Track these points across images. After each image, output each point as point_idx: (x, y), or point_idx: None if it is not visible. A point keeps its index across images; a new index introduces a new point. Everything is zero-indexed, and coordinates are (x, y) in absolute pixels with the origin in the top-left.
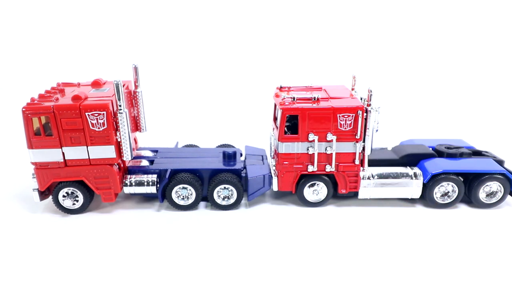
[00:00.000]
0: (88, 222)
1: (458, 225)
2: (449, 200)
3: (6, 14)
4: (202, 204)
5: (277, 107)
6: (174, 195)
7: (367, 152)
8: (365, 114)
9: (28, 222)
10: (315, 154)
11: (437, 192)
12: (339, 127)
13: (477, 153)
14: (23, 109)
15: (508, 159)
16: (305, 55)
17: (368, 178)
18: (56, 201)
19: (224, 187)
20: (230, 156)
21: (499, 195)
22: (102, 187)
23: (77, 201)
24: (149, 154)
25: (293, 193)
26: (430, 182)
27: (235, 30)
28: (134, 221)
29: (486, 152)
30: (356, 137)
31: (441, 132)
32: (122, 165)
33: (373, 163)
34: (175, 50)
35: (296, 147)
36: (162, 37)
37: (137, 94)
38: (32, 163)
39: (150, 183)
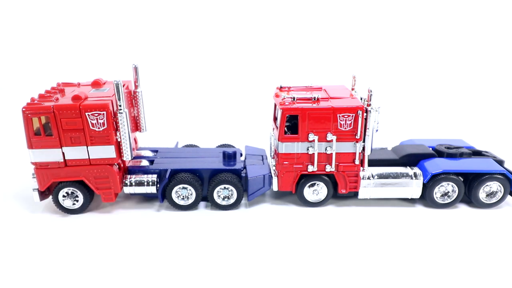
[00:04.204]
0: (88, 222)
1: (458, 225)
2: (449, 200)
3: (6, 14)
4: (202, 204)
5: (277, 107)
6: (174, 195)
7: (367, 152)
8: (365, 114)
9: (28, 222)
10: (315, 154)
11: (437, 192)
12: (339, 127)
13: (477, 153)
14: (23, 109)
15: (508, 159)
16: (305, 55)
17: (368, 178)
18: (56, 201)
19: (224, 187)
20: (230, 156)
21: (499, 195)
22: (102, 187)
23: (77, 201)
24: (149, 154)
25: (293, 193)
26: (430, 182)
27: (235, 30)
28: (134, 221)
29: (486, 152)
30: (356, 137)
31: (441, 132)
32: (122, 165)
33: (373, 163)
34: (175, 50)
35: (296, 147)
36: (162, 37)
37: (137, 94)
38: (32, 163)
39: (150, 183)
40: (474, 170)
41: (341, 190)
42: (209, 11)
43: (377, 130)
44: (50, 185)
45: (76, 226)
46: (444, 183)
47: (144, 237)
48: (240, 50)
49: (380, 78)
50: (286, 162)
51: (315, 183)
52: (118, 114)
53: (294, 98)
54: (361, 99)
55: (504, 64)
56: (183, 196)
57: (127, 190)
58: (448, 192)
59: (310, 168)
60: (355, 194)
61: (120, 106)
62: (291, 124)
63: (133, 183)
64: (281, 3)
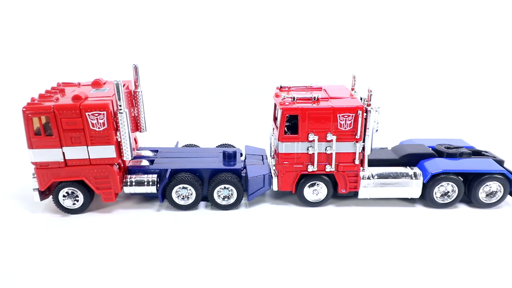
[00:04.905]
0: (88, 222)
1: (458, 225)
2: (449, 200)
3: (7, 14)
4: (202, 204)
5: (277, 107)
6: (174, 195)
7: (367, 152)
8: (365, 114)
9: (28, 222)
10: (315, 154)
11: (437, 192)
12: (339, 127)
13: (477, 153)
14: (24, 109)
15: (508, 159)
16: (305, 55)
17: (368, 178)
18: (56, 201)
19: (224, 187)
20: (230, 156)
21: (499, 195)
22: (102, 187)
23: (77, 201)
24: (149, 154)
25: (293, 193)
26: (430, 182)
27: (235, 31)
28: (134, 221)
29: (486, 152)
30: (356, 137)
31: (441, 132)
32: (122, 165)
33: (373, 163)
34: (175, 50)
35: (296, 147)
36: (162, 37)
37: (137, 94)
38: (33, 163)
39: (150, 183)
40: (474, 170)
41: (341, 190)
42: (210, 12)
43: (377, 130)
44: (50, 185)
45: (76, 226)
46: (444, 183)
47: (144, 237)
48: (240, 50)
49: (380, 78)
50: (286, 162)
51: (315, 183)
52: (118, 114)
53: (294, 98)
54: (361, 99)
55: (504, 64)
56: (183, 196)
57: (127, 190)
58: (448, 192)
59: (310, 168)
60: (355, 194)
61: (120, 106)
62: (291, 124)
63: (133, 183)
64: (281, 3)
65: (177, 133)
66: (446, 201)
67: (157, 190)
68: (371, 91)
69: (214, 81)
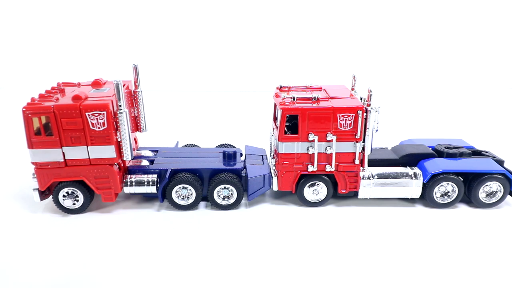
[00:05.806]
0: (88, 222)
1: (458, 225)
2: (449, 200)
3: (7, 14)
4: (202, 204)
5: (277, 107)
6: (174, 195)
7: (367, 152)
8: (365, 114)
9: (28, 222)
10: (315, 154)
11: (437, 192)
12: (339, 127)
13: (477, 153)
14: (24, 109)
15: (508, 159)
16: (305, 55)
17: (368, 178)
18: (56, 201)
19: (224, 187)
20: (230, 156)
21: (499, 195)
22: (102, 187)
23: (77, 201)
24: (149, 154)
25: (293, 193)
26: (430, 182)
27: (235, 31)
28: (134, 221)
29: (486, 152)
30: (356, 137)
31: (441, 132)
32: (122, 165)
33: (373, 163)
34: (175, 50)
35: (296, 147)
36: (162, 37)
37: (137, 94)
38: (33, 163)
39: (150, 183)
40: (474, 170)
41: (341, 190)
42: (210, 11)
43: (377, 130)
44: (50, 185)
45: (76, 226)
46: (444, 183)
47: (144, 237)
48: (240, 50)
49: (380, 78)
50: (286, 162)
51: (315, 183)
52: (118, 114)
53: (294, 98)
54: (361, 99)
55: (504, 64)
56: (183, 196)
57: (127, 190)
58: (448, 192)
59: (310, 168)
60: (355, 194)
61: (120, 106)
62: (291, 124)
63: (133, 183)
64: (281, 3)
65: (177, 133)
66: (446, 201)
67: (157, 190)
68: (371, 91)
69: (214, 81)
